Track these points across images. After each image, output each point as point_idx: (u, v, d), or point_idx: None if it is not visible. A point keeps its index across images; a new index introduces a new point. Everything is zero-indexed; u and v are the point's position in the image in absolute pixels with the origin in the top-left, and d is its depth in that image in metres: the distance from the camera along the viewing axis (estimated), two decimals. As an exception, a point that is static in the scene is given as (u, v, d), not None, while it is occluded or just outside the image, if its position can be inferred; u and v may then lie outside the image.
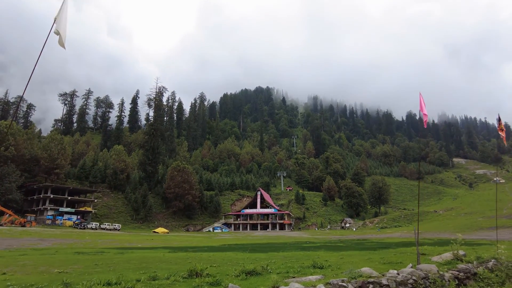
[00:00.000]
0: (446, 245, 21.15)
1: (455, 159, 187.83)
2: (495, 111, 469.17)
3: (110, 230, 72.45)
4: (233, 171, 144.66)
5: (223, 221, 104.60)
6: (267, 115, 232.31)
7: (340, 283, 7.25)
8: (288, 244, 26.13)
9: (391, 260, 11.77)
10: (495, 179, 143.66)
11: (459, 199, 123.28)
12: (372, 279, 7.62)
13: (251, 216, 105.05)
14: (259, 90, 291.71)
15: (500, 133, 12.69)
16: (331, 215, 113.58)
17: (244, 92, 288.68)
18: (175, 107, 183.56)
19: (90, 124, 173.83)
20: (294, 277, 8.27)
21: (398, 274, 8.63)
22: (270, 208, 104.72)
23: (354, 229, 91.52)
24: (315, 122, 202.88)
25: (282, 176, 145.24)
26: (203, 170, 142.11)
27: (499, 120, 12.59)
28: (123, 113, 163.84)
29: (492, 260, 10.68)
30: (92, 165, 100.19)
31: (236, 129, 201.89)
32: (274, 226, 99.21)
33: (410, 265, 9.05)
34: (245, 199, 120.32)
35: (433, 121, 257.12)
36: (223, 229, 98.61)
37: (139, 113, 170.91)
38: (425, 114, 10.48)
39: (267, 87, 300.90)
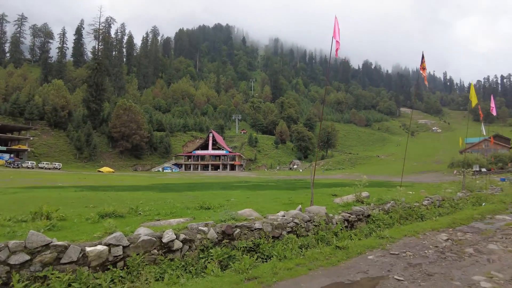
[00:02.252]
0: (373, 186, 21.81)
1: (402, 109, 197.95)
2: (444, 66, 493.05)
3: (49, 169, 68.32)
4: (187, 112, 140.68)
5: (173, 161, 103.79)
6: (225, 56, 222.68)
7: (199, 227, 6.30)
8: (220, 184, 25.75)
9: (296, 201, 11.28)
10: (433, 128, 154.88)
11: (401, 145, 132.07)
12: (242, 223, 6.76)
13: (202, 157, 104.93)
14: (218, 27, 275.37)
15: (421, 71, 12.00)
16: (282, 157, 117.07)
17: (202, 29, 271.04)
18: (125, 41, 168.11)
19: (27, 55, 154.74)
20: (159, 220, 7.24)
21: (283, 216, 7.93)
22: (222, 150, 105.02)
23: (301, 170, 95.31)
24: (275, 66, 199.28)
25: (237, 119, 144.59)
26: (155, 110, 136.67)
27: (422, 58, 11.82)
28: (65, 45, 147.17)
29: (391, 202, 10.51)
30: (28, 100, 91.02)
31: (192, 69, 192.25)
32: (225, 167, 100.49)
33: (299, 206, 8.41)
34: (198, 140, 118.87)
35: (387, 71, 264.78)
36: (173, 170, 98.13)
37: (84, 46, 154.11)
38: (337, 42, 9.24)
39: (227, 25, 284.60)
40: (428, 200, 11.93)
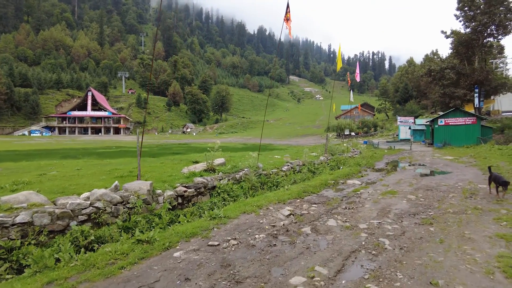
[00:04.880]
0: (251, 150, 21.03)
1: (291, 77, 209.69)
2: (328, 38, 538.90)
3: None
4: (62, 66, 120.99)
5: (44, 124, 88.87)
6: (111, 4, 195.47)
7: None
8: (77, 150, 21.54)
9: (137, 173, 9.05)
10: (316, 96, 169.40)
11: (289, 111, 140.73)
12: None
13: (81, 119, 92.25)
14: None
15: (285, 23, 10.75)
16: (174, 120, 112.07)
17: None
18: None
19: None
20: None
21: (87, 198, 5.67)
22: (105, 111, 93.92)
23: (194, 134, 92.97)
24: (168, 21, 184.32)
25: (124, 77, 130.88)
26: (18, 62, 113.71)
27: (287, 8, 10.54)
28: None
29: (246, 169, 9.26)
30: None
31: (69, 15, 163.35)
32: (108, 130, 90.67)
33: (115, 183, 6.24)
34: (75, 100, 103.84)
35: (280, 39, 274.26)
36: (44, 133, 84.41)
37: None
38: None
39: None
40: (288, 165, 11.24)
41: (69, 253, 4.27)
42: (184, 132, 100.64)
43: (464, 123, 29.97)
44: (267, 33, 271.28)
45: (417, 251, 4.45)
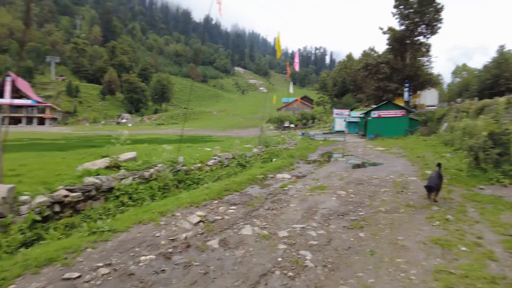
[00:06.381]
0: (191, 142, 19.36)
1: (237, 68, 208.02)
2: (274, 32, 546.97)
3: None
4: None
5: (-51, 112, 76.66)
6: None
7: None
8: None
9: (22, 172, 7.19)
10: (260, 88, 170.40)
11: (233, 102, 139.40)
12: None
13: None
14: None
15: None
16: (109, 110, 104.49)
17: None
18: None
19: None
20: None
21: None
22: (28, 99, 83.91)
23: (130, 125, 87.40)
24: (108, 4, 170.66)
25: (53, 62, 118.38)
26: None
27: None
28: None
29: (159, 165, 7.87)
30: None
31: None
32: (30, 121, 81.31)
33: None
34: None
35: (226, 29, 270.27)
36: (-51, 123, 72.74)
37: None
38: None
39: None
40: (215, 159, 10.06)
41: None
42: (119, 123, 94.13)
43: (395, 115, 31.41)
44: (213, 22, 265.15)
45: (344, 269, 3.55)
